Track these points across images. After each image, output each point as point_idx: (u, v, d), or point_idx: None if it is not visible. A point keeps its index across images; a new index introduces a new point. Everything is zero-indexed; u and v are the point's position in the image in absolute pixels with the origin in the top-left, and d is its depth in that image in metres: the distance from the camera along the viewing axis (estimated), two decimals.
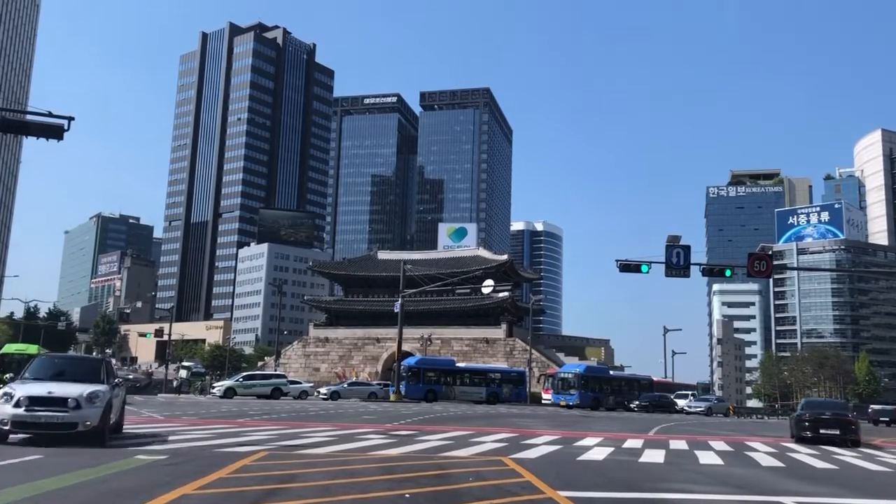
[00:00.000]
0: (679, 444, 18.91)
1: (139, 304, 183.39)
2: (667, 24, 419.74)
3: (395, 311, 53.52)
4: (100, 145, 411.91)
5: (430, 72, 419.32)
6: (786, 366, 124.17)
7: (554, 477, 10.61)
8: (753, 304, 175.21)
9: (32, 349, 40.74)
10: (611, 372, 70.17)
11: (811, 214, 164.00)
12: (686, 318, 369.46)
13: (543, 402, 59.15)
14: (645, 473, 11.97)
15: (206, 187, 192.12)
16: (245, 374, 54.10)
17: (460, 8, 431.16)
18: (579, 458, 13.89)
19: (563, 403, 55.01)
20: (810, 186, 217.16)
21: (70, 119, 16.72)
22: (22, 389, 13.02)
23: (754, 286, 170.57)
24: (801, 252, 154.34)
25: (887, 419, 42.50)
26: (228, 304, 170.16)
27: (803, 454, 17.37)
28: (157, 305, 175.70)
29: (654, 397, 57.71)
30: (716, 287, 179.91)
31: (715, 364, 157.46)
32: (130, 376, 53.08)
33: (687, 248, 26.09)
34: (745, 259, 26.45)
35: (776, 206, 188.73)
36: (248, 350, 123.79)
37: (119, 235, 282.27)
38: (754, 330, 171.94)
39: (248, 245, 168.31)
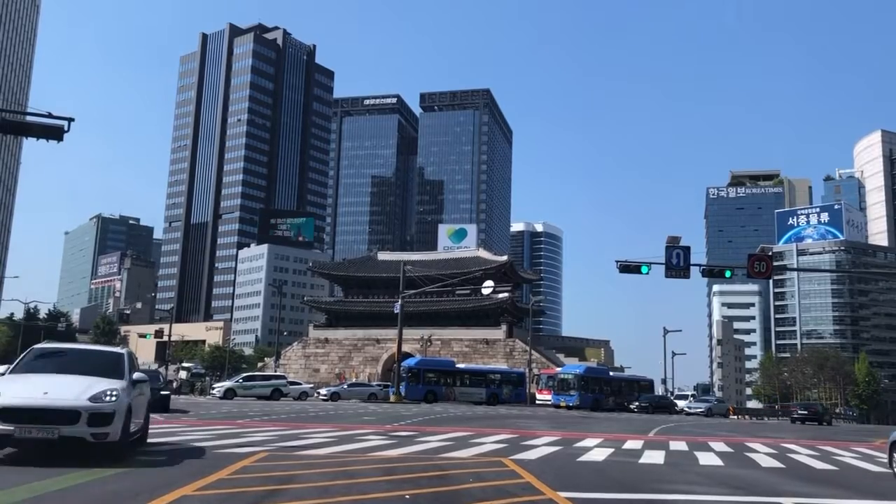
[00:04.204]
0: (679, 445, 18.90)
1: (139, 305, 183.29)
2: (666, 24, 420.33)
3: (395, 312, 53.43)
4: (100, 146, 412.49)
5: (430, 72, 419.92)
6: (786, 367, 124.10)
7: (554, 478, 10.59)
8: (753, 304, 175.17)
9: None
10: (611, 373, 70.23)
11: (811, 215, 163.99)
12: (686, 319, 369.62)
13: (538, 402, 59.03)
14: (645, 474, 11.96)
15: (206, 188, 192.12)
16: (245, 375, 54.11)
17: (460, 8, 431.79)
18: (579, 459, 13.88)
19: (562, 404, 54.99)
20: (810, 187, 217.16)
21: (70, 120, 16.71)
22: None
23: (754, 287, 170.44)
24: (800, 253, 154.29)
25: None
26: (228, 305, 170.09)
27: (803, 455, 17.36)
28: (156, 306, 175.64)
29: (654, 398, 57.86)
30: (716, 288, 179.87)
31: (715, 365, 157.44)
32: None
33: (687, 249, 26.12)
34: (745, 260, 26.45)
35: (776, 206, 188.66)
36: (247, 351, 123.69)
37: (119, 236, 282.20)
38: (754, 331, 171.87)
39: (248, 246, 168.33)
